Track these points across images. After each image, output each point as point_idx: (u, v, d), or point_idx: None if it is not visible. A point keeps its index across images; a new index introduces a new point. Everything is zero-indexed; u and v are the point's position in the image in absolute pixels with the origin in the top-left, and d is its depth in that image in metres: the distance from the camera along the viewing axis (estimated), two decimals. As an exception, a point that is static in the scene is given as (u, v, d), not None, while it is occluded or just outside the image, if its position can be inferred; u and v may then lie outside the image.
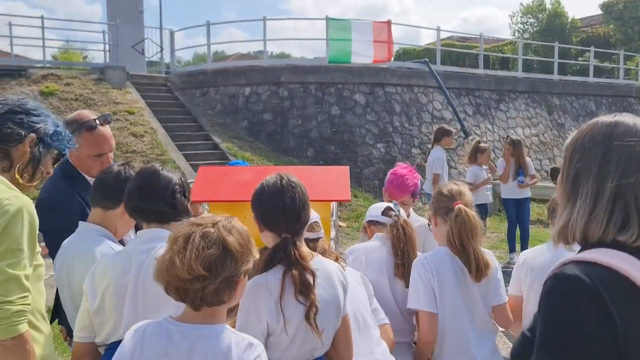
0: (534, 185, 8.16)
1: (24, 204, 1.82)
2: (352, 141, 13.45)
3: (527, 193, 8.05)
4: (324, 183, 2.87)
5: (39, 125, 2.01)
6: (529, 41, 22.19)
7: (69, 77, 14.04)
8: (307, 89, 13.99)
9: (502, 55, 24.74)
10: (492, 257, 2.65)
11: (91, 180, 2.77)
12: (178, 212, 2.01)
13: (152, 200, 1.99)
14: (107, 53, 16.56)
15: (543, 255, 2.79)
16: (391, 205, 2.70)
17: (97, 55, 18.46)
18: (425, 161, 8.24)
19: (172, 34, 17.00)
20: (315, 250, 2.10)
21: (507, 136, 9.16)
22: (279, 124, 13.71)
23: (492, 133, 15.55)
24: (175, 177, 2.08)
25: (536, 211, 11.90)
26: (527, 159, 8.10)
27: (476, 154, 7.91)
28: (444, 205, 2.62)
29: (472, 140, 14.40)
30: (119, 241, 2.31)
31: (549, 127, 16.99)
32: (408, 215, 3.33)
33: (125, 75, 14.43)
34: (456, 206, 2.56)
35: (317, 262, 1.99)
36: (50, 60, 15.25)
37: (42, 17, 15.29)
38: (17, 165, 1.96)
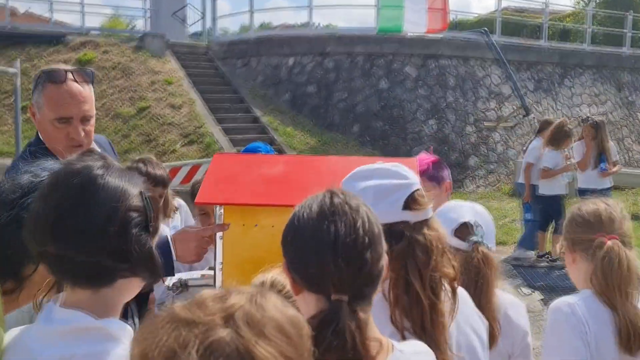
0: (617, 173, 7.09)
1: None
2: (401, 117, 12.50)
3: (608, 182, 6.99)
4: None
5: None
6: (601, 10, 20.40)
7: (108, 44, 13.55)
8: (354, 60, 13.06)
9: (567, 26, 22.94)
10: None
11: None
12: (132, 265, 1.12)
13: (78, 238, 1.09)
14: (147, 20, 16.01)
15: None
16: (469, 221, 1.83)
17: (137, 24, 17.94)
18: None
19: (213, 0, 16.27)
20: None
21: (587, 117, 8.01)
22: (324, 97, 12.87)
23: (554, 111, 14.27)
24: (130, 189, 1.15)
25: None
26: (610, 143, 7.02)
27: (559, 136, 6.81)
28: (584, 238, 1.78)
29: (533, 118, 13.23)
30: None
31: (617, 106, 15.54)
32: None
33: (164, 43, 13.83)
34: (607, 242, 1.71)
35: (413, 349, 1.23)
36: (89, 26, 14.77)
37: (82, -18, 14.79)
38: None
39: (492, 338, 1.69)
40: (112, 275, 1.13)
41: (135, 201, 1.15)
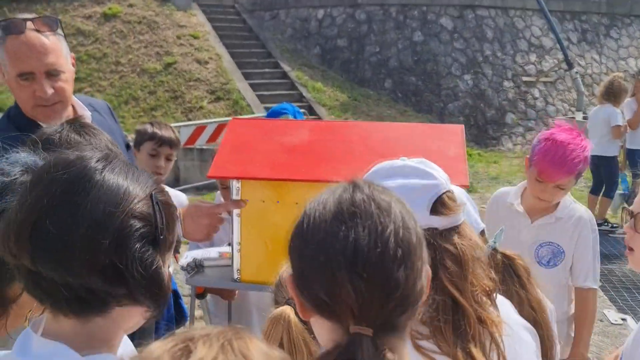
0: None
1: None
2: (435, 72, 11.96)
3: (659, 143, 6.49)
4: (428, 153, 1.74)
5: None
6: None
7: (133, -3, 13.20)
8: (387, 11, 12.46)
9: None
10: None
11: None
12: (131, 290, 0.84)
13: (59, 251, 0.81)
14: (173, -29, 15.53)
15: None
16: (497, 233, 1.45)
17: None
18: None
19: (241, -50, 15.66)
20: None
21: (639, 70, 7.40)
22: (355, 51, 12.37)
23: (598, 64, 13.49)
24: (136, 189, 0.87)
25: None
26: None
27: (612, 92, 6.29)
28: None
29: (576, 73, 12.50)
30: None
31: (667, 59, 14.61)
32: (556, 205, 2.15)
33: (190, -5, 13.41)
34: None
35: None
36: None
37: None
38: None
39: (546, 349, 1.39)
40: (105, 303, 0.85)
41: (141, 206, 0.86)
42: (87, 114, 1.93)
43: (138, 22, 12.51)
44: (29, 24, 1.76)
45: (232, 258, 1.98)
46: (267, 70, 12.01)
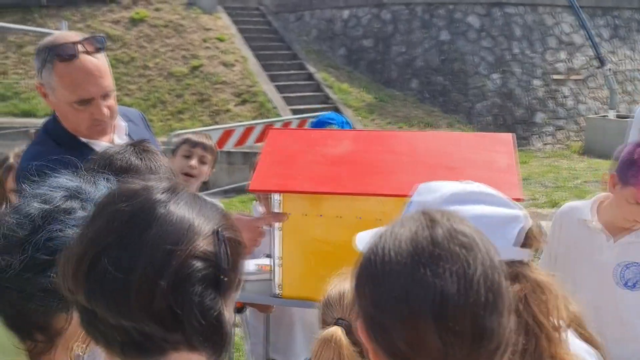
0: None
1: None
2: (463, 71, 11.79)
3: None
4: (479, 164, 1.66)
5: None
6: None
7: (159, 1, 13.31)
8: (412, 11, 12.35)
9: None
10: None
11: (95, 145, 1.82)
12: (189, 337, 0.77)
13: (114, 291, 0.76)
14: (198, -25, 15.62)
15: None
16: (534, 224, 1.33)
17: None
18: None
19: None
20: None
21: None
22: (381, 51, 12.28)
23: (632, 61, 13.16)
24: (201, 224, 0.80)
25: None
26: None
27: None
28: None
29: (608, 70, 12.20)
30: None
31: (703, 54, 14.18)
32: None
33: (215, -2, 13.48)
34: None
35: None
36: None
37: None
38: None
39: None
40: (161, 349, 0.79)
41: (204, 244, 0.79)
42: (122, 124, 1.94)
43: (165, 26, 12.62)
44: (80, 47, 1.74)
45: (272, 273, 1.93)
46: (292, 72, 11.99)
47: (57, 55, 1.72)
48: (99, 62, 1.78)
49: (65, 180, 1.05)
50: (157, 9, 13.04)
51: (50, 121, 1.88)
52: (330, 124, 2.46)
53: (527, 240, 1.04)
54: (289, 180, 1.82)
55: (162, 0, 13.38)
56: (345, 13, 12.90)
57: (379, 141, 1.89)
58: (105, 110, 1.79)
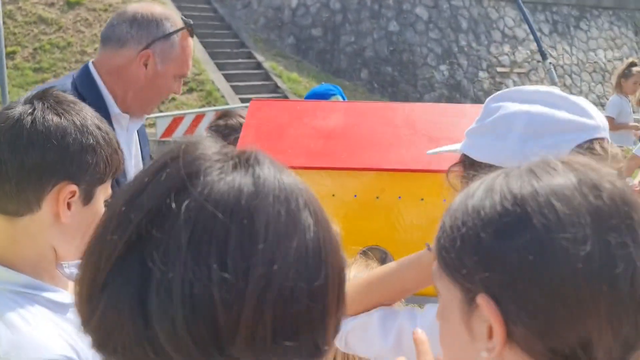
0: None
1: None
2: (411, 62, 11.86)
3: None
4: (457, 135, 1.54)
5: None
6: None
7: (98, -16, 12.66)
8: (362, 1, 12.28)
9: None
10: None
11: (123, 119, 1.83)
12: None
13: None
14: (140, -42, 15.02)
15: None
16: None
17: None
18: None
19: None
20: None
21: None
22: (330, 41, 12.16)
23: (570, 56, 13.63)
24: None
25: None
26: None
27: (620, 79, 5.85)
28: None
29: (550, 64, 12.55)
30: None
31: (634, 50, 14.87)
32: None
33: (158, -17, 12.96)
34: None
35: None
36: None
37: None
38: None
39: None
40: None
41: None
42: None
43: (104, 10, 11.99)
44: None
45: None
46: (240, 60, 11.70)
47: (187, 28, 1.81)
48: None
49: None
50: (95, -8, 12.41)
51: (84, 79, 1.78)
52: (333, 94, 2.25)
53: (588, 151, 0.89)
54: (278, 155, 1.64)
55: (101, -17, 12.75)
56: (294, 1, 12.69)
57: (374, 113, 1.74)
58: None
